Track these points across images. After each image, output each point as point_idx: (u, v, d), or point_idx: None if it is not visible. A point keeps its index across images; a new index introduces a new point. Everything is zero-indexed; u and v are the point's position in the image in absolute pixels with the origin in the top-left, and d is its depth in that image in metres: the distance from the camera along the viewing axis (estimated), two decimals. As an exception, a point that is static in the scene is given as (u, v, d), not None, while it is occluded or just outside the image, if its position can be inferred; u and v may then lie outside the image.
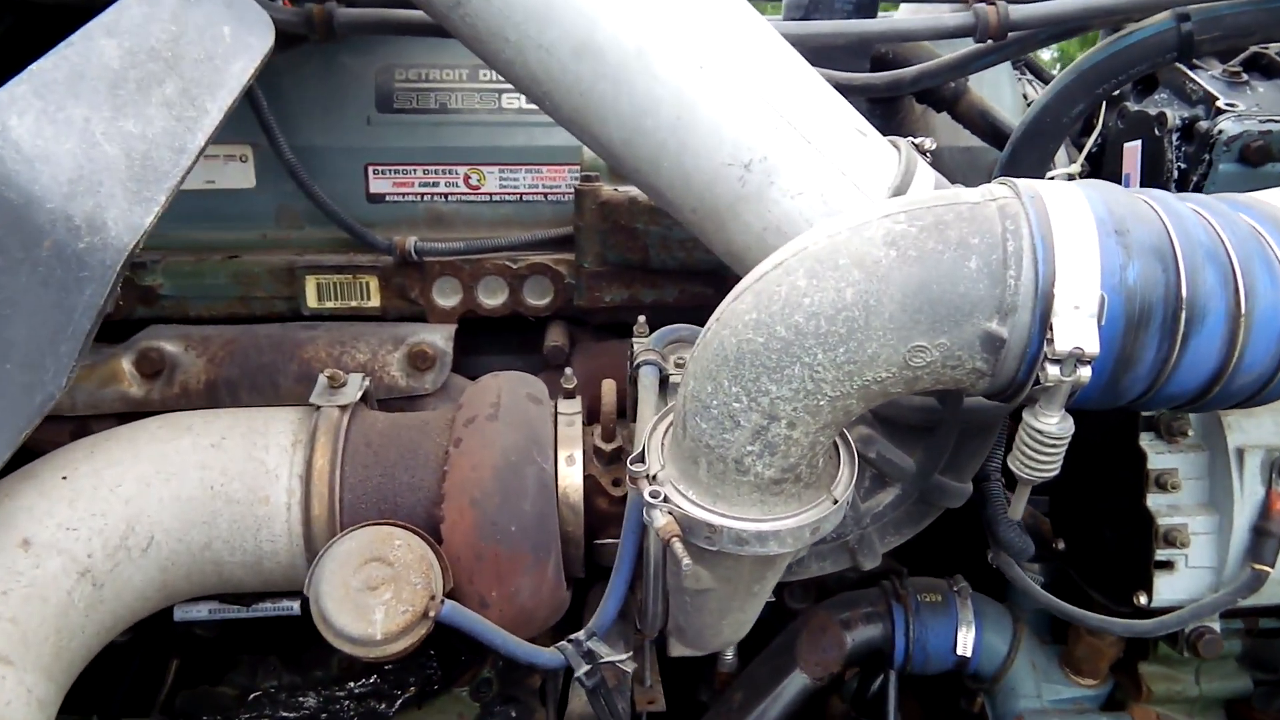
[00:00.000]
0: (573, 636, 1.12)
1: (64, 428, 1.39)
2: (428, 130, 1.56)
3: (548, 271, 1.54)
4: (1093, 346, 0.80)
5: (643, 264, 1.50)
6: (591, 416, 1.32)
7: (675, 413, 0.97)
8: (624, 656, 1.15)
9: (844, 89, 1.21)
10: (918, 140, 1.14)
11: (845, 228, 0.86)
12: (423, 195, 1.58)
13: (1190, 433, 1.31)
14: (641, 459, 0.98)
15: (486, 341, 1.61)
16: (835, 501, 0.95)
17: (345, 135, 1.55)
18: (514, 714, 1.43)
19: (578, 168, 1.54)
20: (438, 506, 1.17)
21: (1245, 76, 1.36)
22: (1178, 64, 1.36)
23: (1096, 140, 1.51)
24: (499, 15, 0.99)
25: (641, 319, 1.32)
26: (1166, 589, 1.29)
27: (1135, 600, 1.31)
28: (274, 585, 1.21)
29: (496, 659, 1.47)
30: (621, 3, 0.99)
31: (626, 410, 1.33)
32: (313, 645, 1.29)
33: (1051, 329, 0.81)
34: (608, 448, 1.25)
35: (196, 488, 1.14)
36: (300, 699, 1.44)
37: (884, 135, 1.13)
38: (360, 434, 1.23)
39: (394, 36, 1.54)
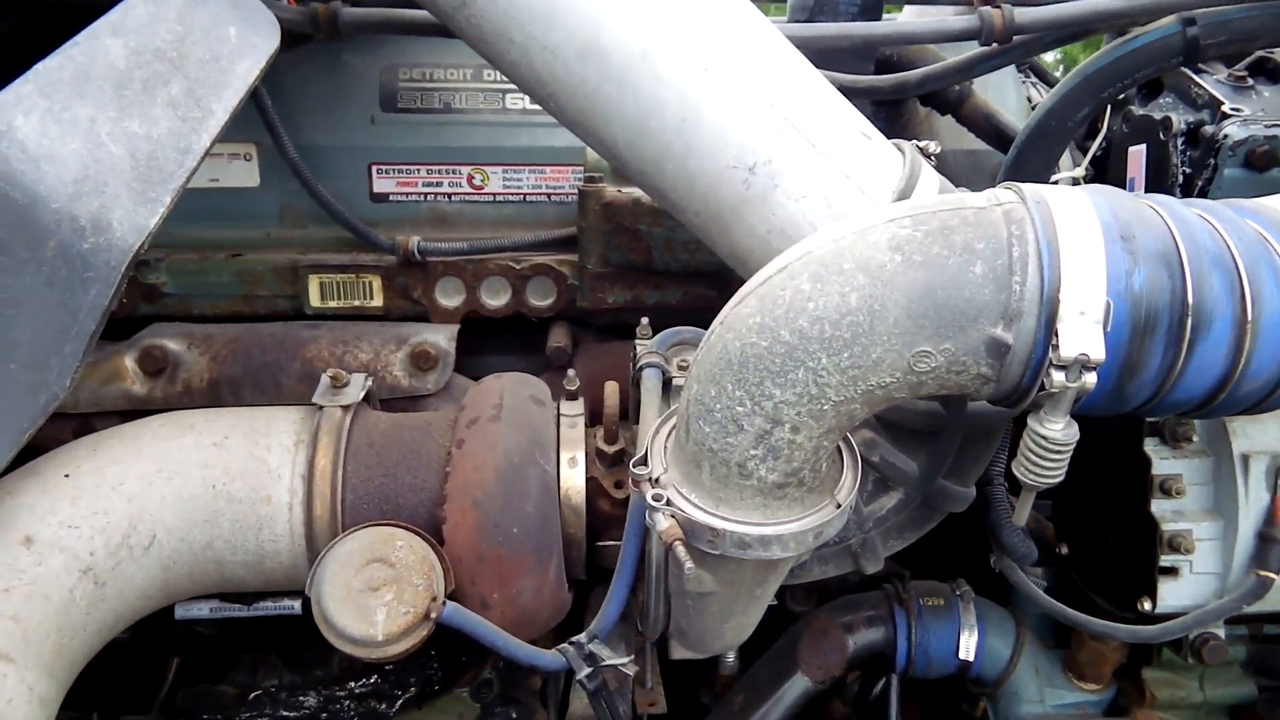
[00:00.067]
0: (574, 639, 1.12)
1: (66, 425, 1.39)
2: (431, 130, 1.57)
3: (551, 272, 1.54)
4: (1098, 353, 0.80)
5: (646, 265, 1.49)
6: (594, 418, 1.31)
7: (678, 416, 0.96)
8: (625, 659, 1.14)
9: (849, 92, 1.21)
10: (922, 143, 1.14)
11: (850, 232, 0.85)
12: (426, 195, 1.58)
13: (1195, 438, 1.31)
14: (644, 462, 0.98)
15: (489, 342, 1.61)
16: (838, 506, 0.95)
17: (349, 134, 1.56)
18: (515, 715, 1.43)
19: (581, 168, 1.54)
20: (440, 507, 1.17)
21: (1251, 81, 1.36)
22: (1183, 68, 1.35)
23: (1101, 144, 1.51)
24: (504, 16, 0.99)
25: (644, 321, 1.31)
26: (1171, 595, 1.29)
27: (1139, 606, 1.30)
28: (275, 585, 1.21)
29: (497, 660, 1.47)
30: (627, 5, 0.98)
31: (629, 412, 1.32)
32: (314, 644, 1.29)
33: (1057, 335, 0.80)
34: (610, 450, 1.25)
35: (199, 486, 1.14)
36: (301, 698, 1.44)
37: (888, 138, 1.13)
38: (363, 434, 1.23)
39: (398, 36, 1.54)
